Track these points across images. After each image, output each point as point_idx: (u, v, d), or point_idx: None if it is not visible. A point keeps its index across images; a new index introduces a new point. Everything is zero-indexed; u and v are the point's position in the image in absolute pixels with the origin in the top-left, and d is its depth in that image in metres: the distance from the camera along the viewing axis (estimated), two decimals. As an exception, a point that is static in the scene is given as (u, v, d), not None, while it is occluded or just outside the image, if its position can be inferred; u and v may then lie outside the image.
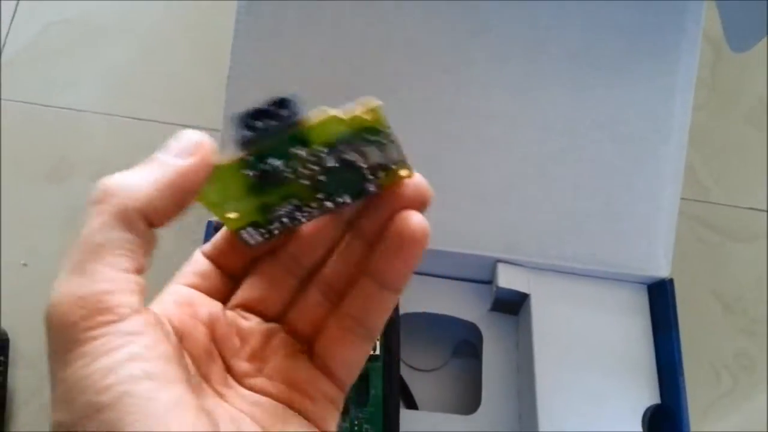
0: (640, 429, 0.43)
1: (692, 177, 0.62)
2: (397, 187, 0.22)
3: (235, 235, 0.24)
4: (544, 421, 0.42)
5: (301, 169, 0.21)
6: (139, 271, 0.20)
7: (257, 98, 0.21)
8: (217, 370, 0.22)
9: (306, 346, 0.23)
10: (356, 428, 0.41)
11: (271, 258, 0.24)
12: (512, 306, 0.48)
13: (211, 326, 0.22)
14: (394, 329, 0.43)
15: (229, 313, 0.23)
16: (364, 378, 0.42)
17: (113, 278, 0.19)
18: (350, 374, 0.23)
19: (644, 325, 0.46)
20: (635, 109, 0.46)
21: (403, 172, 0.22)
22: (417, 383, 0.48)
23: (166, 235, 0.21)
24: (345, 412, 0.42)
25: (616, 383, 0.44)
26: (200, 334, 0.22)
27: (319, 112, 0.20)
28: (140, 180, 0.20)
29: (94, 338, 0.18)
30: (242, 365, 0.22)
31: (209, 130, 0.23)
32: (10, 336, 0.51)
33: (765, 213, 0.62)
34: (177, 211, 0.20)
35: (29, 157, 0.59)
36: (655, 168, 0.46)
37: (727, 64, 0.66)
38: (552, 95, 0.46)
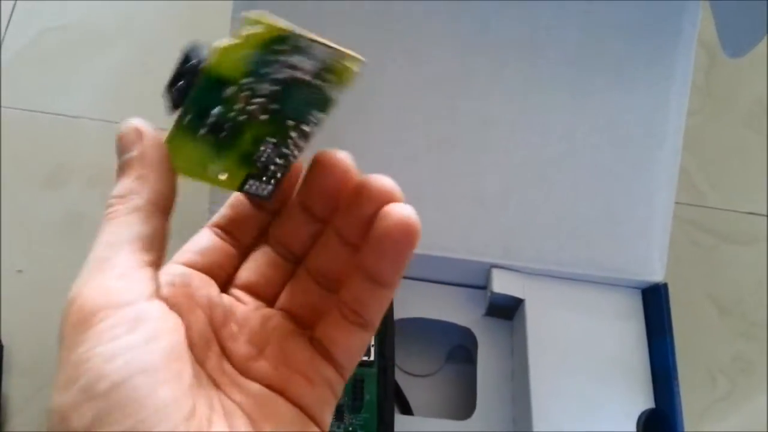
0: (635, 434, 0.43)
1: (687, 181, 0.62)
2: (364, 188, 0.22)
3: (245, 197, 0.24)
4: (538, 426, 0.42)
5: (247, 107, 0.21)
6: (155, 264, 0.21)
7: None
8: (213, 355, 0.22)
9: (305, 329, 0.23)
10: (350, 434, 0.41)
11: (265, 243, 0.24)
12: (507, 311, 0.48)
13: (209, 310, 0.22)
14: (388, 334, 0.43)
15: (225, 297, 0.23)
16: (358, 383, 0.42)
17: (129, 270, 0.20)
18: (351, 361, 0.23)
19: (639, 329, 0.46)
20: (631, 113, 0.46)
21: (349, 64, 0.21)
22: (412, 388, 0.48)
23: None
24: (339, 418, 0.42)
25: (610, 388, 0.44)
26: (198, 318, 0.22)
27: (213, 49, 0.20)
28: (131, 183, 0.21)
29: (101, 322, 0.19)
30: (241, 348, 0.22)
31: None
32: (5, 343, 0.51)
33: (762, 217, 0.62)
34: (171, 186, 0.22)
35: (26, 163, 0.59)
36: (650, 172, 0.46)
37: (722, 68, 0.66)
38: (549, 100, 0.46)
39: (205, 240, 0.24)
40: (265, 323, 0.23)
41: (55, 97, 0.62)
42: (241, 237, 0.25)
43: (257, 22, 0.20)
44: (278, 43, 0.21)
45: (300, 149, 0.23)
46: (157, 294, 0.21)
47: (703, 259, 0.61)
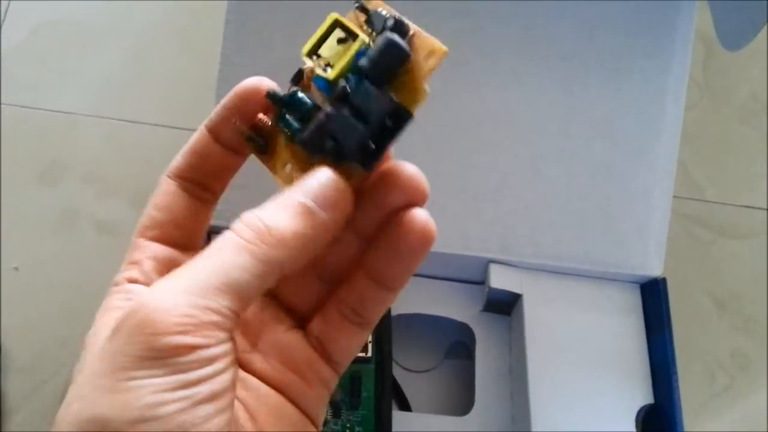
0: (634, 429, 0.43)
1: (685, 175, 0.62)
2: (392, 175, 0.21)
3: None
4: (537, 421, 0.42)
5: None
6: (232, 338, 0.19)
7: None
8: None
9: (299, 323, 0.23)
10: (348, 431, 0.41)
11: None
12: (505, 306, 0.48)
13: None
14: (386, 330, 0.43)
15: None
16: (355, 380, 0.42)
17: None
18: (347, 359, 0.22)
19: (637, 324, 0.46)
20: (628, 108, 0.46)
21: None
22: (410, 385, 0.48)
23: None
24: (337, 415, 0.41)
25: (609, 383, 0.44)
26: None
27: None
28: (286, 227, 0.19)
29: (179, 354, 0.17)
30: (236, 338, 0.21)
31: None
32: (2, 341, 0.51)
33: (760, 210, 0.62)
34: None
35: (21, 160, 0.59)
36: (647, 167, 0.46)
37: (719, 62, 0.66)
38: (545, 95, 0.46)
39: (171, 198, 0.22)
40: (259, 310, 0.22)
41: (50, 93, 0.61)
42: (211, 186, 0.23)
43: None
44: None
45: None
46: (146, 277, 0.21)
47: (702, 253, 0.61)
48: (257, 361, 0.22)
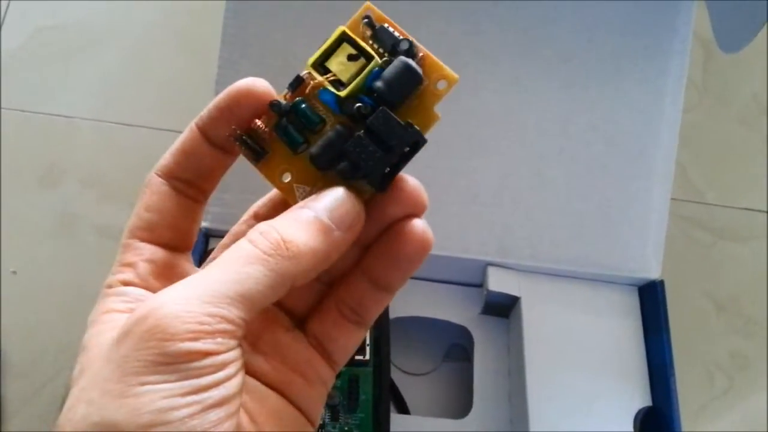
0: (632, 431, 0.43)
1: (684, 178, 0.62)
2: (395, 189, 0.21)
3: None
4: (535, 424, 0.42)
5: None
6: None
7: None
8: None
9: (297, 322, 0.23)
10: (346, 434, 0.41)
11: None
12: (503, 309, 0.48)
13: None
14: (384, 333, 0.43)
15: None
16: (354, 383, 0.42)
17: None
18: (345, 358, 0.23)
19: (635, 327, 0.46)
20: (626, 109, 0.46)
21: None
22: (408, 387, 0.48)
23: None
24: (335, 418, 0.41)
25: (607, 385, 0.44)
26: None
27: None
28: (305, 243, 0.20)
29: (189, 361, 0.18)
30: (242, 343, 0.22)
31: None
32: (1, 344, 0.51)
33: (760, 213, 0.62)
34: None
35: (19, 163, 0.59)
36: (645, 168, 0.46)
37: (719, 64, 0.66)
38: (543, 97, 0.46)
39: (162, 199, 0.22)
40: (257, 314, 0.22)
41: (49, 97, 0.61)
42: (201, 185, 0.23)
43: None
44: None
45: None
46: (143, 281, 0.21)
47: (700, 255, 0.61)
48: (258, 362, 0.22)
